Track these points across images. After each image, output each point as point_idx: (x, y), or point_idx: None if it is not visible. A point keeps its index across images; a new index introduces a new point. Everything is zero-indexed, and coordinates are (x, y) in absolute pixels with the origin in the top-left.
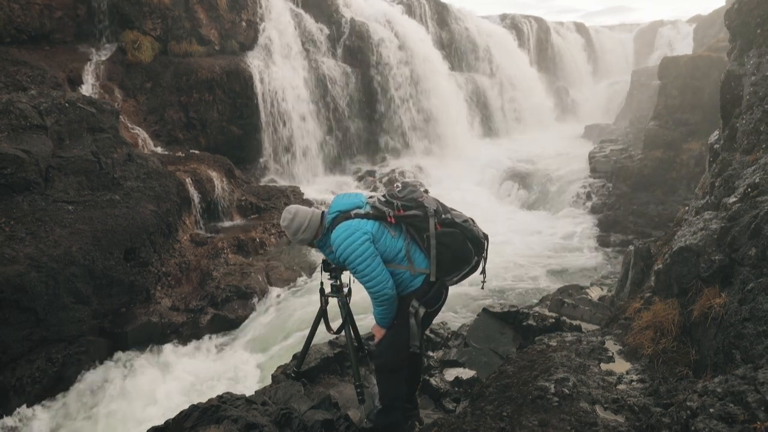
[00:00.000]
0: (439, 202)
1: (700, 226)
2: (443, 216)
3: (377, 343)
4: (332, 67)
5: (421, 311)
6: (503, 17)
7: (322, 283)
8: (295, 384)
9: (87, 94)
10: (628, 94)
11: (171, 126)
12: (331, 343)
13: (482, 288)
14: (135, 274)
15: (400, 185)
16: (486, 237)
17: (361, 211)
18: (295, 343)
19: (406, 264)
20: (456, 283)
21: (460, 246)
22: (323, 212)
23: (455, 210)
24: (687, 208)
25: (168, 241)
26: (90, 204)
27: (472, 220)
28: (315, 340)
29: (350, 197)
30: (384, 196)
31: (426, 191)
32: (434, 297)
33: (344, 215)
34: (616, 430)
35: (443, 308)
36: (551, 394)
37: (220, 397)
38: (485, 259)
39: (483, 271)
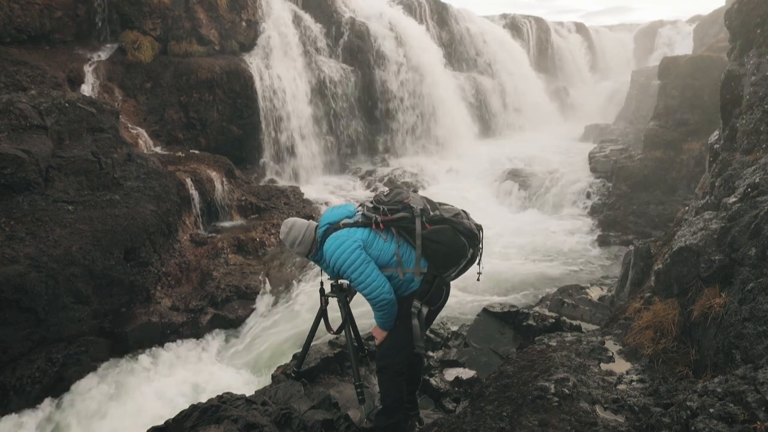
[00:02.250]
0: (427, 200)
1: (700, 226)
2: (432, 213)
3: (378, 344)
4: (332, 67)
5: (424, 310)
6: (503, 17)
7: (322, 283)
8: (295, 384)
9: (87, 94)
10: (628, 94)
11: (171, 126)
12: (331, 343)
13: (478, 280)
14: (135, 274)
15: (386, 190)
16: (479, 228)
17: (350, 221)
18: (295, 343)
19: (404, 266)
20: (455, 278)
21: (451, 240)
22: (317, 226)
23: (446, 205)
24: (687, 208)
25: (168, 241)
26: (90, 204)
27: (465, 213)
28: (315, 340)
29: (339, 209)
30: (371, 202)
31: (415, 191)
32: (435, 295)
33: (333, 227)
34: (616, 430)
35: (444, 307)
36: (551, 394)
37: (220, 397)
38: (482, 248)
39: (479, 262)
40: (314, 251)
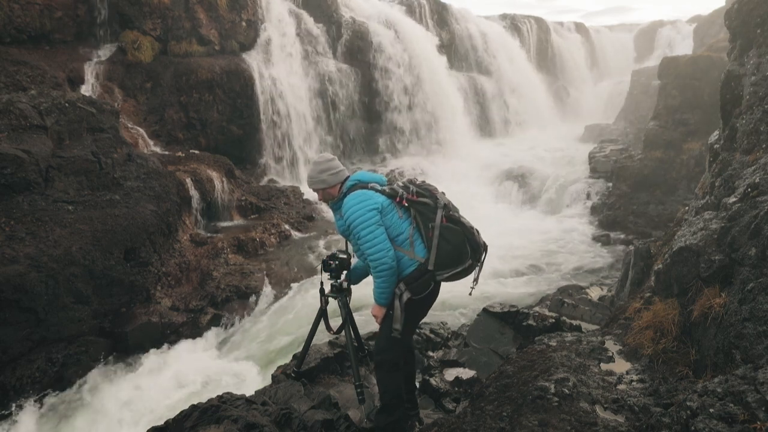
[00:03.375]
0: (451, 202)
1: (700, 226)
2: (451, 212)
3: (380, 324)
4: (332, 67)
5: (406, 296)
6: (503, 17)
7: (322, 283)
8: (295, 384)
9: (87, 94)
10: (628, 94)
11: (171, 126)
12: (331, 343)
13: (470, 294)
14: (135, 274)
15: (419, 179)
16: (485, 247)
17: (378, 187)
18: (295, 343)
19: (406, 248)
20: (445, 280)
21: (458, 244)
22: (349, 176)
23: (464, 218)
24: (687, 208)
25: (168, 241)
26: (90, 204)
27: (477, 231)
28: (315, 340)
29: (372, 174)
30: (403, 181)
31: (443, 193)
32: (421, 286)
33: (362, 185)
34: (616, 430)
35: (441, 308)
36: (551, 394)
37: (220, 397)
38: (480, 267)
39: (476, 279)
40: (335, 197)
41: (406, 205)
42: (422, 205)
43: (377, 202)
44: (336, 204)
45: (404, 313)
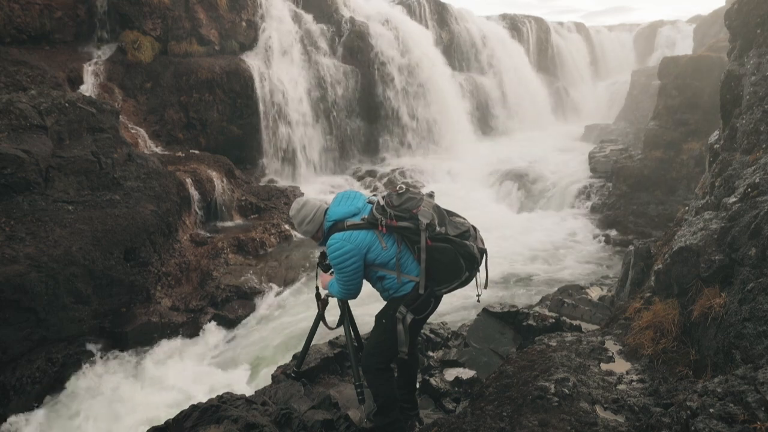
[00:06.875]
0: (438, 211)
1: (700, 226)
2: (437, 230)
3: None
4: (332, 67)
5: (409, 318)
6: (503, 17)
7: (317, 288)
8: (295, 384)
9: (87, 94)
10: (628, 94)
11: (171, 126)
12: (331, 343)
13: (478, 301)
14: (135, 274)
15: (403, 188)
16: (483, 251)
17: (356, 220)
18: (295, 343)
19: (395, 270)
20: (446, 293)
21: (450, 262)
22: (326, 210)
23: (458, 217)
24: (687, 208)
25: (168, 241)
26: (90, 204)
27: (474, 229)
28: (315, 340)
29: (348, 201)
30: (383, 198)
31: (431, 195)
32: (423, 305)
33: (338, 226)
34: (616, 430)
35: (441, 309)
36: (551, 394)
37: (220, 397)
38: (487, 271)
39: (482, 284)
40: (320, 239)
41: (386, 231)
42: (403, 229)
43: (357, 247)
44: (323, 242)
45: (408, 334)
